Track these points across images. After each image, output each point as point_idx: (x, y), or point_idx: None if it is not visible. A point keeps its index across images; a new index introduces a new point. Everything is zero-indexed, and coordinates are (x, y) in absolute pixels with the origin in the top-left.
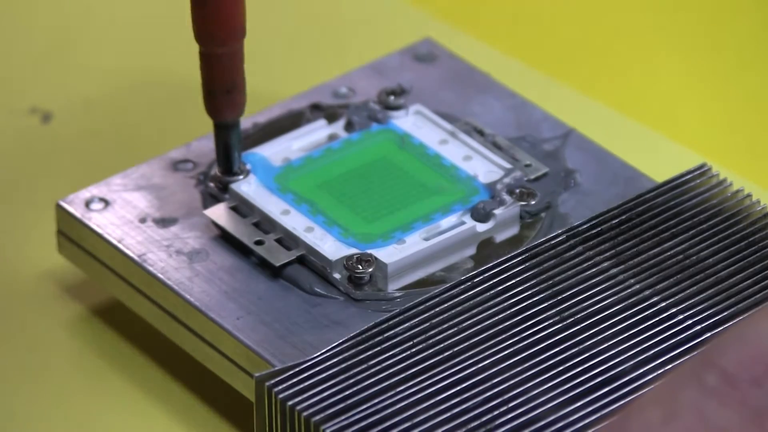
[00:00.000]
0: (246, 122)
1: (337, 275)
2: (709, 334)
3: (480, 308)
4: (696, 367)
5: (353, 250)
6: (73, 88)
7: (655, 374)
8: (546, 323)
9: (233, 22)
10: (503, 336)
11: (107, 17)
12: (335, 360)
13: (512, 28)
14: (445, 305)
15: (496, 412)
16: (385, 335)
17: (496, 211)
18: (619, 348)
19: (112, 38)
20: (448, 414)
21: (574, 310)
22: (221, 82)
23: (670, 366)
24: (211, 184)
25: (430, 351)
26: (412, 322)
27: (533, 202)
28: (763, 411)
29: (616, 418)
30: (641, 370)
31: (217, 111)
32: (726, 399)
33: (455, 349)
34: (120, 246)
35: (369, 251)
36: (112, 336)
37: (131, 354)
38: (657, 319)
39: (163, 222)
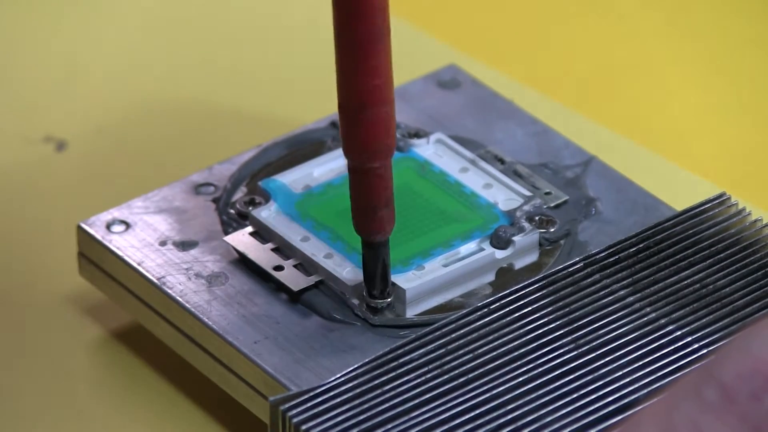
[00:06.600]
0: (267, 148)
1: (355, 301)
2: None
3: (496, 335)
4: (695, 380)
5: None
6: (85, 116)
7: None
8: (561, 351)
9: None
10: (519, 363)
11: (118, 45)
12: (350, 385)
13: (531, 60)
14: (461, 331)
15: None
16: (400, 361)
17: (515, 238)
18: (634, 376)
19: (125, 65)
20: None
21: (589, 337)
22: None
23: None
24: (231, 211)
25: (445, 377)
26: (427, 348)
27: (552, 230)
28: (762, 427)
29: None
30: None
31: (381, 228)
32: (724, 414)
33: (470, 375)
34: (139, 268)
35: None
36: (131, 357)
37: (149, 375)
38: (672, 347)
39: (183, 245)
